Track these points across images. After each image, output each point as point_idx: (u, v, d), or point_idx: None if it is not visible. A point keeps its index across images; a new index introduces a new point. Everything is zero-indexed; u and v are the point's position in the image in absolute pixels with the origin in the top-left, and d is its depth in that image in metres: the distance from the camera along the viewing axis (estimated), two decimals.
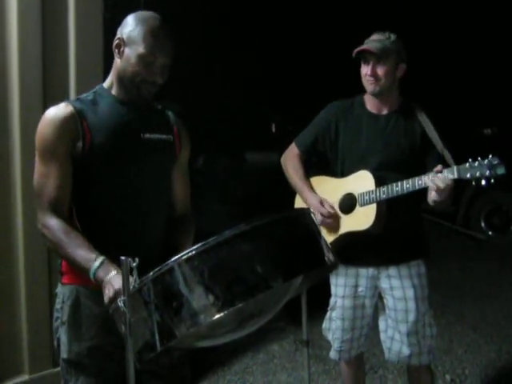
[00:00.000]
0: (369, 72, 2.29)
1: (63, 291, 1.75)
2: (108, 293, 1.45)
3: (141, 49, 1.64)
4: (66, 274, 1.75)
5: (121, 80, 1.72)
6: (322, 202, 2.39)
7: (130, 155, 1.72)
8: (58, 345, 1.75)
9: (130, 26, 1.68)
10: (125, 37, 1.68)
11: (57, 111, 1.66)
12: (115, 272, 1.48)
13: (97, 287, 1.53)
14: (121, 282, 1.34)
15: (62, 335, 1.73)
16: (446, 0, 10.79)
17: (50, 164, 1.64)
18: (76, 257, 1.56)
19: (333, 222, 2.36)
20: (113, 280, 1.46)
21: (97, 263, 1.51)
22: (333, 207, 2.39)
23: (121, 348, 1.35)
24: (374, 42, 2.29)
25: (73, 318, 1.71)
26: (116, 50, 1.70)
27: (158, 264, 1.30)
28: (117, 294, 1.41)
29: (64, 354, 1.72)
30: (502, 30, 10.34)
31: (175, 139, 1.86)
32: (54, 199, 1.63)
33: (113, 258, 1.50)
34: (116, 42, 1.70)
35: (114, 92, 1.75)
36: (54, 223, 1.61)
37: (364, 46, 2.30)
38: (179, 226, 1.88)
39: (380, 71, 2.28)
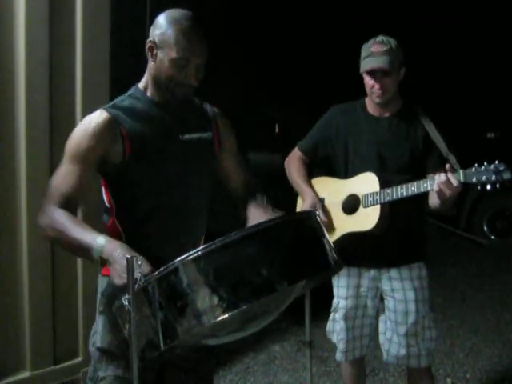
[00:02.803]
0: (377, 86, 2.28)
1: (101, 282, 1.77)
2: (120, 267, 1.42)
3: (173, 53, 1.62)
4: (105, 265, 1.69)
5: (156, 83, 1.71)
6: (314, 206, 2.39)
7: (170, 157, 1.72)
8: (95, 332, 1.77)
9: (162, 28, 1.65)
10: (157, 39, 1.65)
11: (91, 119, 1.66)
12: (123, 247, 1.47)
13: None
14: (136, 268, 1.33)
15: (100, 324, 1.75)
16: (448, 2, 10.78)
17: (74, 166, 1.64)
18: (80, 237, 1.53)
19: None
20: (123, 253, 1.42)
21: (101, 238, 1.50)
22: (326, 213, 2.39)
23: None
24: (380, 55, 2.26)
25: (109, 308, 1.70)
26: (149, 53, 1.68)
27: None
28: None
29: (98, 343, 1.73)
30: (505, 34, 10.33)
31: (214, 135, 1.85)
32: (66, 198, 1.62)
33: (152, 258, 1.47)
34: (148, 44, 1.68)
35: (149, 94, 1.74)
36: (61, 212, 1.59)
37: (373, 65, 2.26)
38: (250, 201, 1.86)
39: (388, 84, 2.29)
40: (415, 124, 2.36)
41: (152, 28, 1.70)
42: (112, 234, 1.69)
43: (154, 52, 1.66)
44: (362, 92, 2.43)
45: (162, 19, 1.67)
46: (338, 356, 2.53)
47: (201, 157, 1.81)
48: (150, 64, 1.70)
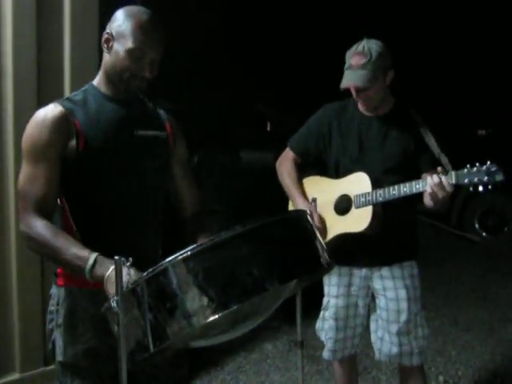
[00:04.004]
0: (360, 99, 2.30)
1: (58, 293, 1.71)
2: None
3: (129, 43, 1.62)
4: (62, 275, 1.70)
5: (109, 76, 1.69)
6: (311, 213, 2.36)
7: (125, 152, 1.70)
8: (53, 347, 1.72)
9: (119, 21, 1.65)
10: (113, 32, 1.65)
11: (46, 112, 1.62)
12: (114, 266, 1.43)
13: (94, 288, 1.50)
14: (124, 276, 1.31)
15: (58, 338, 1.69)
16: (437, 1, 10.81)
17: (37, 166, 1.60)
18: (67, 256, 1.50)
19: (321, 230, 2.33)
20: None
21: (91, 260, 1.46)
22: (322, 219, 2.36)
23: (117, 350, 1.32)
24: (359, 68, 2.21)
25: (69, 320, 1.68)
26: (105, 45, 1.68)
27: (154, 261, 1.28)
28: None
29: (60, 357, 1.69)
30: (495, 31, 10.37)
31: (168, 136, 1.84)
32: (40, 201, 1.59)
33: (108, 256, 1.45)
34: (105, 36, 1.67)
35: (103, 89, 1.72)
36: (40, 224, 1.55)
37: (349, 84, 2.24)
38: (196, 225, 1.85)
39: (370, 95, 2.28)
40: (407, 123, 2.34)
41: (110, 22, 1.69)
42: (66, 232, 1.64)
43: (110, 44, 1.66)
44: None
45: (119, 14, 1.68)
46: (326, 354, 2.52)
47: (156, 153, 1.79)
48: (105, 57, 1.69)
